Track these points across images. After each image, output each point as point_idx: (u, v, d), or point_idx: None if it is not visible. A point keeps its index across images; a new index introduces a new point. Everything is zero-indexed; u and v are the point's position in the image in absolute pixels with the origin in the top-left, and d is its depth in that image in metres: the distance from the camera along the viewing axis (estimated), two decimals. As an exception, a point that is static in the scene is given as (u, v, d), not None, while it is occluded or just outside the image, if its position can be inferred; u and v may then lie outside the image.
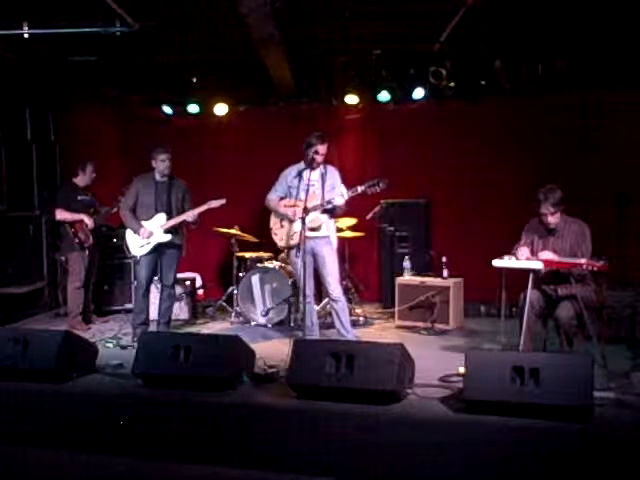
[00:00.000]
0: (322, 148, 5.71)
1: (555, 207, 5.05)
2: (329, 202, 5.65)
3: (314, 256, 5.78)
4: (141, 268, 6.25)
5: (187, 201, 6.34)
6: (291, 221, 5.79)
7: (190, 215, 6.19)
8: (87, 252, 6.79)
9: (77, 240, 6.74)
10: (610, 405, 4.14)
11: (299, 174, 5.79)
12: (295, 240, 5.70)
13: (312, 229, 5.67)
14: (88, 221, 6.77)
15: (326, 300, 6.79)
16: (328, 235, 5.83)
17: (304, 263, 5.48)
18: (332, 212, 5.79)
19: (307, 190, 5.59)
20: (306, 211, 5.54)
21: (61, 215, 6.80)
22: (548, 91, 7.23)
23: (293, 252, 5.82)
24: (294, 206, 5.76)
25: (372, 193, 5.65)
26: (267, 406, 4.35)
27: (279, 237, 5.95)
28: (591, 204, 6.57)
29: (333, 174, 5.88)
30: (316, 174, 5.82)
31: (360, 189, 5.60)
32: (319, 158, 5.74)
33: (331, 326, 6.42)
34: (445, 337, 6.45)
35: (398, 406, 4.25)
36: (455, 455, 3.83)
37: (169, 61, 7.36)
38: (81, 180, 6.94)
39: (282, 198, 5.93)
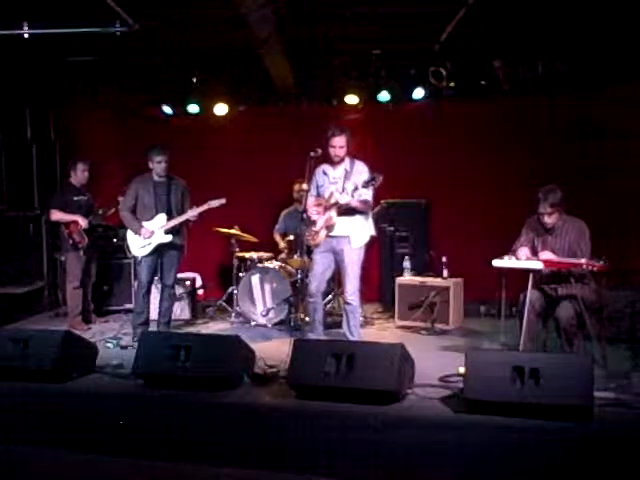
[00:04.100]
0: (334, 141, 5.59)
1: (552, 207, 5.05)
2: (336, 202, 5.54)
3: (334, 256, 5.69)
4: (142, 269, 6.25)
5: (186, 200, 6.34)
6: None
7: (190, 215, 6.20)
8: (82, 252, 6.78)
9: (71, 241, 6.73)
10: (610, 405, 4.14)
11: (324, 172, 5.73)
12: (310, 240, 5.68)
13: (327, 228, 5.60)
14: (82, 222, 6.75)
15: (327, 300, 6.81)
16: (348, 235, 5.61)
17: (311, 261, 5.49)
18: (353, 211, 5.59)
19: (317, 188, 5.63)
20: (325, 210, 5.53)
21: (55, 216, 6.81)
22: (548, 91, 7.23)
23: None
24: (319, 205, 5.66)
25: (371, 189, 5.51)
26: (267, 406, 4.36)
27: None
28: (591, 204, 6.56)
29: (360, 172, 5.64)
30: (339, 171, 5.69)
31: (359, 187, 5.47)
32: (334, 151, 5.61)
33: (331, 326, 6.44)
34: (445, 337, 6.45)
35: (398, 406, 4.25)
36: (455, 455, 3.83)
37: (169, 61, 7.35)
38: (75, 180, 6.93)
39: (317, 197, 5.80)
